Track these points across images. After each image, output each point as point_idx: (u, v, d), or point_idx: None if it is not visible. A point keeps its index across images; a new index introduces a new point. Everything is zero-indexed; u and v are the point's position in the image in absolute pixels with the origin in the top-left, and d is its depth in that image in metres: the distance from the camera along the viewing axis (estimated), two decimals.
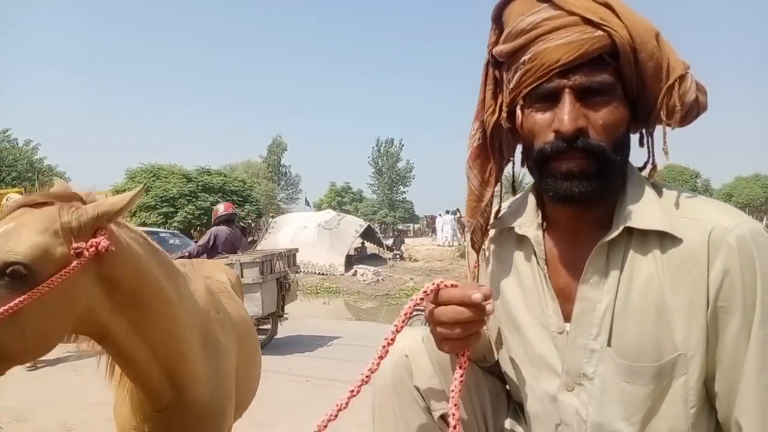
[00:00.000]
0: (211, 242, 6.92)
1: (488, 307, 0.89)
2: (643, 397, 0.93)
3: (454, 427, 0.91)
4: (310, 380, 5.23)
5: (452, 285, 0.92)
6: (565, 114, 0.91)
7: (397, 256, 21.59)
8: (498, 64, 1.04)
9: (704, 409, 0.94)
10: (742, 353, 0.88)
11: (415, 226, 40.56)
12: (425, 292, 0.93)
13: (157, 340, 1.39)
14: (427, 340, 1.05)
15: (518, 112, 1.00)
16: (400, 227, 36.88)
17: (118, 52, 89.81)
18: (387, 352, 0.98)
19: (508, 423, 1.12)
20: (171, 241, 10.16)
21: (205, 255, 6.43)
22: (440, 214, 25.77)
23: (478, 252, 1.17)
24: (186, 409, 1.51)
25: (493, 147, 1.08)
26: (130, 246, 1.30)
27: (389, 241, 24.41)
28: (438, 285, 0.92)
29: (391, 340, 0.97)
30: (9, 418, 3.82)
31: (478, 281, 1.16)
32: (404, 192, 49.61)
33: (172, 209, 21.68)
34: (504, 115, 1.03)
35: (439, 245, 24.00)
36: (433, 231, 28.94)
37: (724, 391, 0.91)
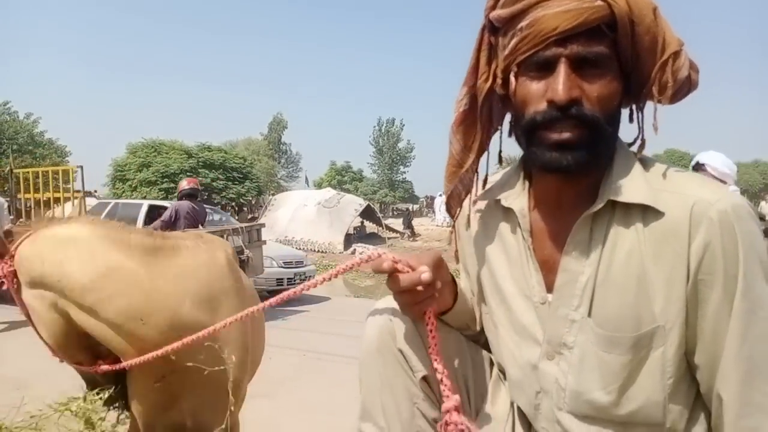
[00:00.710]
0: (172, 217, 6.88)
1: (423, 276, 0.93)
2: (620, 366, 0.94)
3: (441, 381, 0.92)
4: (307, 354, 5.30)
5: (380, 255, 0.96)
6: (560, 83, 0.90)
7: (407, 234, 21.52)
8: (494, 29, 1.02)
9: (683, 380, 0.95)
10: (724, 325, 0.89)
11: (414, 206, 40.47)
12: (369, 257, 0.98)
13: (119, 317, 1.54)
14: None
15: (512, 79, 0.98)
16: (407, 207, 36.79)
17: (119, 28, 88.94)
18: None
19: (489, 389, 1.14)
20: (209, 218, 10.04)
21: (168, 230, 6.34)
22: (440, 195, 25.73)
23: (454, 218, 1.18)
24: (183, 376, 1.54)
25: (482, 114, 1.07)
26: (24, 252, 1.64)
27: (389, 221, 24.36)
28: (380, 254, 0.96)
29: (335, 274, 1.04)
30: (9, 387, 3.87)
31: (456, 247, 1.20)
32: (404, 172, 49.49)
33: (172, 185, 21.53)
34: (499, 81, 1.02)
35: (437, 225, 24.06)
36: (433, 211, 28.95)
37: (706, 363, 0.92)
